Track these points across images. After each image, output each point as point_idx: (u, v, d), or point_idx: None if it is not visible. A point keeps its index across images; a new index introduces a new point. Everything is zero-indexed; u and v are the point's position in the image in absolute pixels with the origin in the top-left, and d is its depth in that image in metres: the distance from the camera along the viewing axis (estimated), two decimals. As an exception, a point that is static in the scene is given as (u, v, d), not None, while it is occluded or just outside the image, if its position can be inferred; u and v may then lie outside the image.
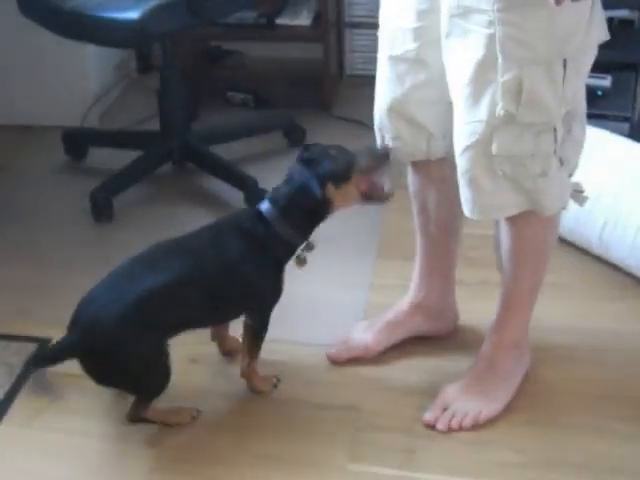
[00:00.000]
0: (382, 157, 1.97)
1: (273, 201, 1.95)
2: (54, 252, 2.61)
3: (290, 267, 1.99)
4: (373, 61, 3.38)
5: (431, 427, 1.98)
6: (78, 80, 3.21)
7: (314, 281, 2.44)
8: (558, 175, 1.83)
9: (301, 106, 3.27)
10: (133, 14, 2.42)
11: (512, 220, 1.90)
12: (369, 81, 3.39)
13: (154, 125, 2.98)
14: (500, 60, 1.70)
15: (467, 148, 1.80)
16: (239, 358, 2.09)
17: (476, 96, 1.76)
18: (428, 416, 2.00)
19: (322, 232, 2.62)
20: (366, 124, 3.14)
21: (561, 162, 1.82)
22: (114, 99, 3.42)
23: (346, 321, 2.29)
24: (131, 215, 2.76)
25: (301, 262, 2.02)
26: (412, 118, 1.93)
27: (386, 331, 2.19)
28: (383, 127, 1.98)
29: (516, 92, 1.71)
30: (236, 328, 2.13)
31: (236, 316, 2.04)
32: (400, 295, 2.35)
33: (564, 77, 1.72)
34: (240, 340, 2.16)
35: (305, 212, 1.95)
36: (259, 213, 1.95)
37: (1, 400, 2.05)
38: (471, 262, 2.46)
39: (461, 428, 1.98)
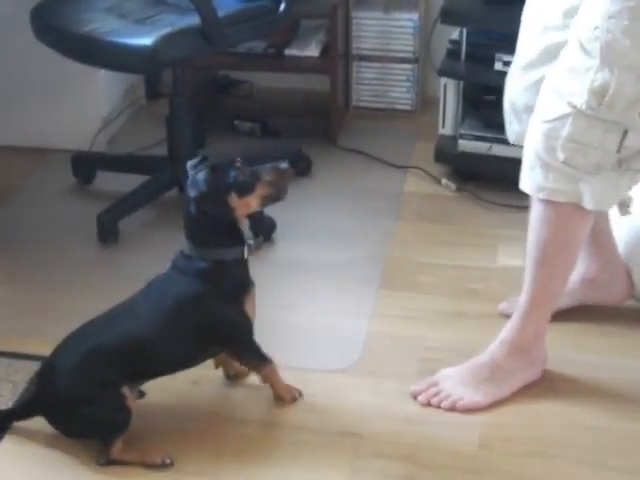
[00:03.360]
0: (286, 172, 1.99)
1: (189, 232, 1.98)
2: (60, 273, 2.62)
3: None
4: (379, 94, 3.49)
5: (413, 398, 2.10)
6: (88, 105, 3.24)
7: (316, 309, 2.46)
8: (612, 175, 1.91)
9: (307, 136, 3.30)
10: (146, 40, 2.45)
11: (551, 206, 1.97)
12: (375, 113, 3.48)
13: (160, 151, 3.01)
14: (597, 62, 1.81)
15: (543, 122, 1.90)
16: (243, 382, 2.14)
17: (564, 83, 1.87)
18: (415, 388, 2.11)
19: (326, 261, 2.66)
20: (371, 155, 3.20)
21: (619, 164, 1.89)
22: (122, 124, 3.45)
23: (346, 349, 2.30)
24: (137, 238, 2.78)
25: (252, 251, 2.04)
26: None
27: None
28: None
29: (602, 93, 1.81)
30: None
31: (205, 355, 2.05)
32: (401, 326, 2.37)
33: None
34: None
35: (210, 226, 1.95)
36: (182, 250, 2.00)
37: (4, 416, 2.07)
38: (474, 294, 2.48)
39: (439, 407, 2.08)
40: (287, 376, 2.18)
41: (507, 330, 2.13)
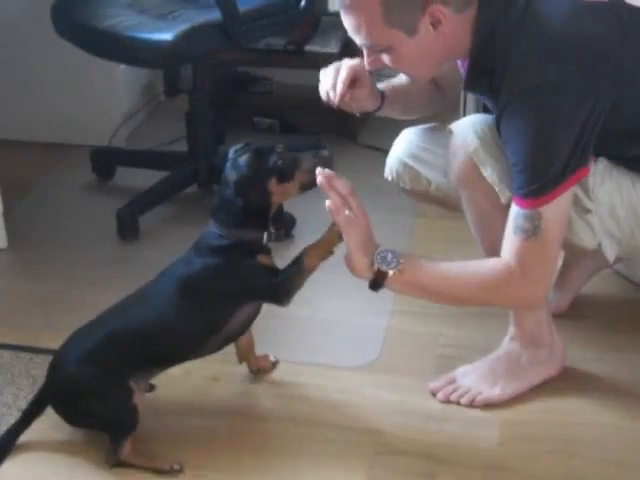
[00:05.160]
0: (327, 160, 1.97)
1: (217, 211, 1.97)
2: (80, 268, 2.63)
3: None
4: (399, 90, 3.45)
5: (433, 395, 2.10)
6: (107, 100, 3.25)
7: (336, 306, 2.46)
8: None
9: (327, 133, 3.29)
10: (167, 35, 2.45)
11: None
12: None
13: (179, 147, 3.02)
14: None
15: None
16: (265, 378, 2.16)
17: None
18: (433, 385, 2.12)
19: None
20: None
21: None
22: (141, 120, 3.46)
23: (366, 345, 2.30)
24: (156, 234, 2.78)
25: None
26: None
27: (569, 283, 2.34)
28: None
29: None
30: (264, 347, 2.16)
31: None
32: (421, 322, 2.37)
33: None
34: (271, 358, 2.20)
35: (241, 210, 1.92)
36: (211, 229, 1.97)
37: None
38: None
39: (458, 403, 2.08)
40: (307, 372, 2.19)
41: (511, 326, 2.14)
